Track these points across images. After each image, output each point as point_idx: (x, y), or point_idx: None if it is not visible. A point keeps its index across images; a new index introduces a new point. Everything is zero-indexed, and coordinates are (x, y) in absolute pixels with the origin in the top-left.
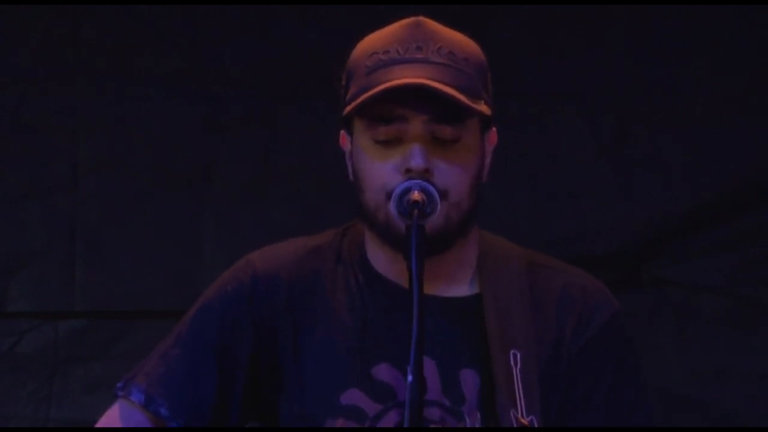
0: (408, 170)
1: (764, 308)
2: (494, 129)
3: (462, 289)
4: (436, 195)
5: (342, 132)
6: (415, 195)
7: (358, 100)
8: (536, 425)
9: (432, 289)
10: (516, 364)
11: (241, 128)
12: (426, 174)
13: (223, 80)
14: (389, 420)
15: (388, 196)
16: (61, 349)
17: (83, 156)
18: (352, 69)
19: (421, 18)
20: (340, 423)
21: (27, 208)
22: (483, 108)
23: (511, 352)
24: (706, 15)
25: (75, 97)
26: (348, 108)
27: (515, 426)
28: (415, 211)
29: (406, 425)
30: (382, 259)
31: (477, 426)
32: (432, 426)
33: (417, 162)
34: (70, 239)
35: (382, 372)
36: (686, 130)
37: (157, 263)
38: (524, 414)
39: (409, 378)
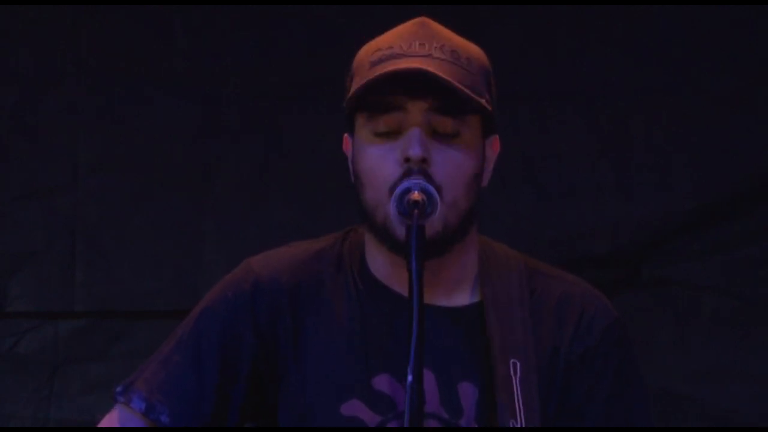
0: (407, 159)
1: (764, 308)
2: (497, 137)
3: (463, 297)
4: (436, 195)
5: (345, 136)
6: (415, 195)
7: (358, 87)
8: None
9: (432, 298)
10: (516, 373)
11: (242, 128)
12: (424, 164)
13: (223, 80)
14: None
15: (390, 191)
16: (61, 349)
17: (83, 156)
18: (355, 68)
19: (426, 19)
20: None
21: (27, 208)
22: (483, 102)
23: (511, 361)
24: (706, 15)
25: (75, 97)
26: (348, 96)
27: None
28: (415, 211)
29: (406, 425)
30: (381, 265)
31: None
32: None
33: (415, 151)
34: (70, 239)
35: (383, 383)
36: (686, 130)
37: (157, 263)
38: (524, 424)
39: (409, 378)
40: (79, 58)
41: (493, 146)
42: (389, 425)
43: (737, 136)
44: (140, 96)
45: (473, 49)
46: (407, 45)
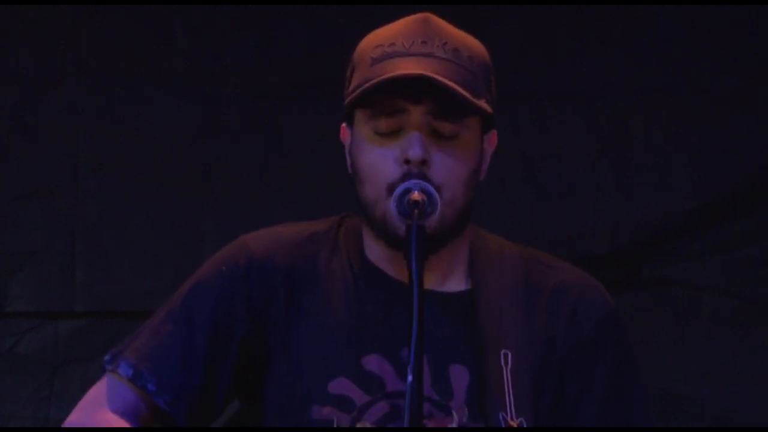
0: (407, 161)
1: (764, 308)
2: (495, 132)
3: (455, 283)
4: (436, 195)
5: (343, 125)
6: (415, 195)
7: (360, 90)
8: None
9: (427, 283)
10: (506, 363)
11: (242, 128)
12: (423, 166)
13: (223, 80)
14: (377, 410)
15: (389, 189)
16: (61, 349)
17: (83, 156)
18: (356, 61)
19: (428, 14)
20: (327, 411)
21: (27, 208)
22: (483, 105)
23: (502, 351)
24: (706, 15)
25: (75, 97)
26: (350, 97)
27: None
28: (416, 211)
29: (406, 425)
30: (379, 252)
31: (464, 421)
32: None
33: (415, 152)
34: (70, 239)
35: (372, 362)
36: (686, 130)
37: (157, 263)
38: (514, 416)
39: (409, 378)
40: (79, 58)
41: (491, 140)
42: (378, 405)
43: (737, 136)
44: (140, 96)
45: (474, 46)
46: (409, 43)
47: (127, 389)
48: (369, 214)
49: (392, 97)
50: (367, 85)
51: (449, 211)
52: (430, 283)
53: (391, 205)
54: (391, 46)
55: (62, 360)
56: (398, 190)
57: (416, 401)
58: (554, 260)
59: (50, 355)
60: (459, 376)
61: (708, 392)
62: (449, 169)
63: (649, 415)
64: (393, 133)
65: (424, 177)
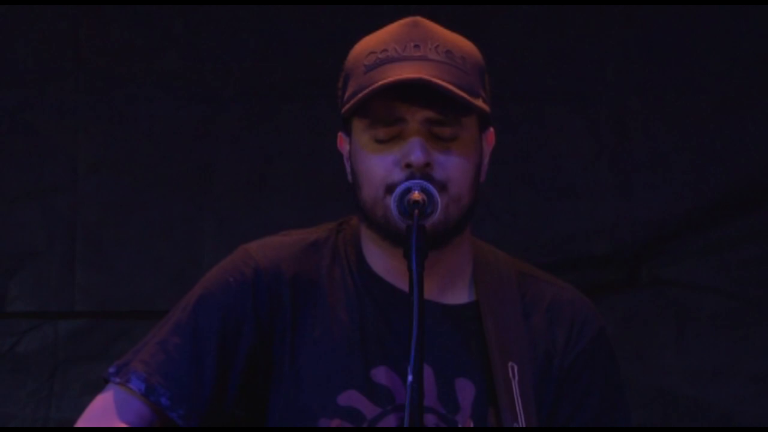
0: (408, 165)
1: (764, 308)
2: (492, 130)
3: (459, 295)
4: (437, 195)
5: (340, 134)
6: (416, 195)
7: (357, 98)
8: None
9: (429, 294)
10: (514, 376)
11: (241, 128)
12: (426, 168)
13: (223, 80)
14: (387, 424)
15: (388, 189)
16: (61, 349)
17: (83, 156)
18: (349, 69)
19: (418, 18)
20: (335, 423)
21: (27, 208)
22: (480, 104)
23: (509, 364)
24: (706, 15)
25: (75, 97)
26: (347, 106)
27: None
28: (416, 211)
29: (406, 425)
30: (379, 259)
31: None
32: None
33: (417, 157)
34: (70, 239)
35: (381, 375)
36: (686, 130)
37: (157, 263)
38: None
39: (409, 378)
40: (79, 58)
41: (489, 140)
42: (388, 418)
43: (737, 136)
44: (140, 96)
45: (466, 46)
46: (401, 47)
47: (139, 403)
48: (370, 216)
49: (389, 104)
50: (363, 93)
51: (455, 207)
52: (432, 293)
53: (392, 207)
54: (384, 52)
55: (62, 360)
56: (398, 190)
57: (416, 400)
58: (545, 274)
59: (50, 355)
60: (465, 390)
61: (708, 392)
62: (453, 167)
63: (631, 422)
64: (392, 140)
65: (428, 177)
